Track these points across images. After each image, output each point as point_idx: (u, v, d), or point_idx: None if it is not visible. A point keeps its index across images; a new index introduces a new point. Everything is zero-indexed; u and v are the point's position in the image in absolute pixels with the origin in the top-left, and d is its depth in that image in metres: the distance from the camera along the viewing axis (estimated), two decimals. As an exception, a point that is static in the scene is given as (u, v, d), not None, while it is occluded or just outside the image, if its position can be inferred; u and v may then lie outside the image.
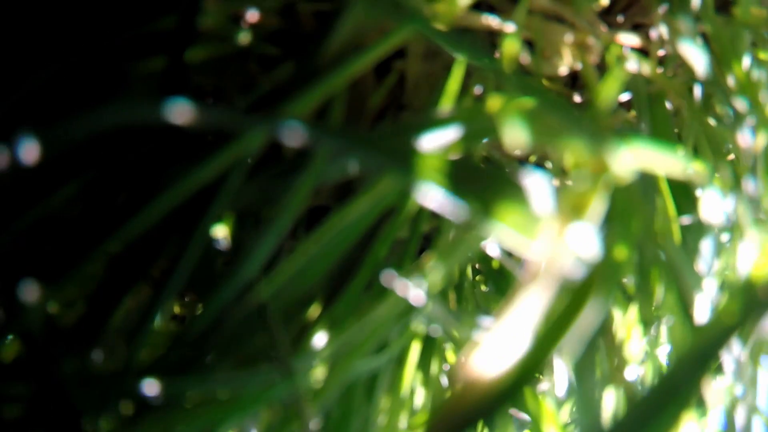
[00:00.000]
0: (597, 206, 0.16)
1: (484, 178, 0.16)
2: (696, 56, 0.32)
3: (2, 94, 0.20)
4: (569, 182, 0.16)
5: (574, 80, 0.40)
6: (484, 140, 0.20)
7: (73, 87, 0.21)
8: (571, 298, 0.15)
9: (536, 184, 0.16)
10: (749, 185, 0.33)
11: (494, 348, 0.14)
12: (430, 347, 0.36)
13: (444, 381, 0.38)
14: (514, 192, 0.16)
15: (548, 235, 0.15)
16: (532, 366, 0.14)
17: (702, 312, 0.28)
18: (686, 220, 0.35)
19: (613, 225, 0.17)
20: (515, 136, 0.17)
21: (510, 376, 0.14)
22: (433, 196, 0.16)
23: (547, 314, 0.14)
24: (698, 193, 0.36)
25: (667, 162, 0.17)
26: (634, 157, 0.16)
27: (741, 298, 0.15)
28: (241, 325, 0.22)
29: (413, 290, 0.24)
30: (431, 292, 0.24)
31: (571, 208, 0.16)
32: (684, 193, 0.36)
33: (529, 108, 0.17)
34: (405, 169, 0.17)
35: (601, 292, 0.15)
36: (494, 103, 0.18)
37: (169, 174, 0.20)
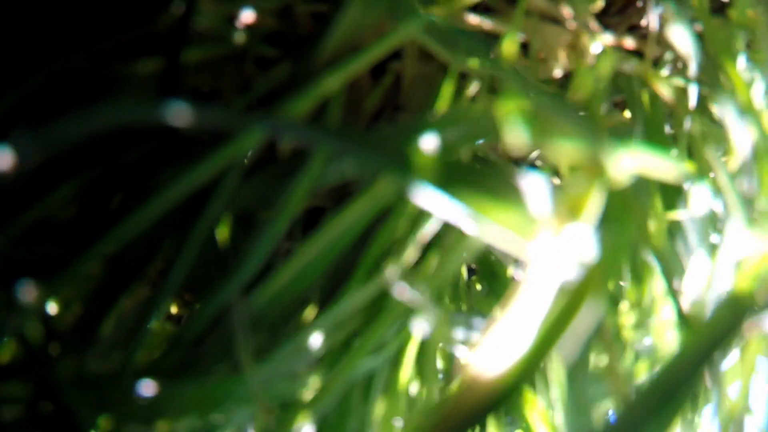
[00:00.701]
0: (593, 207, 0.16)
1: (480, 179, 0.16)
2: (691, 57, 0.33)
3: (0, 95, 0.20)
4: (562, 182, 0.16)
5: (569, 81, 0.40)
6: (480, 141, 0.20)
7: (69, 88, 0.21)
8: (568, 299, 0.15)
9: (533, 185, 0.16)
10: (743, 185, 0.33)
11: (492, 349, 0.14)
12: (427, 348, 0.36)
13: (440, 381, 0.38)
14: (511, 193, 0.16)
15: (545, 237, 0.15)
16: (530, 367, 0.14)
17: (696, 313, 0.28)
18: (679, 219, 0.35)
19: (608, 226, 0.17)
20: (515, 136, 0.17)
21: (508, 377, 0.14)
22: (429, 197, 0.16)
23: (545, 315, 0.14)
24: (692, 193, 0.36)
25: (661, 164, 0.17)
26: (630, 160, 0.16)
27: (735, 300, 0.15)
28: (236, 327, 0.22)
29: (409, 292, 0.24)
30: (427, 293, 0.24)
31: (567, 209, 0.16)
32: (677, 194, 0.36)
33: (528, 108, 0.17)
34: (402, 170, 0.17)
35: (597, 293, 0.15)
36: (494, 103, 0.18)
37: (166, 175, 0.20)
